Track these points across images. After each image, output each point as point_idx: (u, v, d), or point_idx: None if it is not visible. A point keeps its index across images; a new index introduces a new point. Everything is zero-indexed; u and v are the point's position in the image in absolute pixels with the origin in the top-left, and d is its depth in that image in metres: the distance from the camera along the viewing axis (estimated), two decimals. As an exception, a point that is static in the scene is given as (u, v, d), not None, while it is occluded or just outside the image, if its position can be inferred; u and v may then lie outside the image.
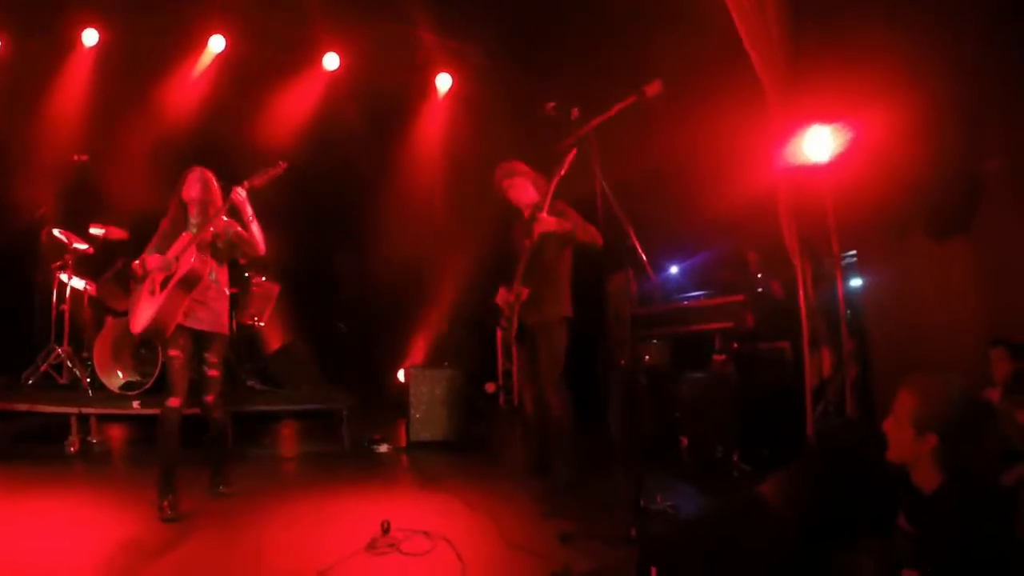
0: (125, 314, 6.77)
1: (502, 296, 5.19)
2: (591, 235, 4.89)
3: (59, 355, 6.84)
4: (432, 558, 3.83)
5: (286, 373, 7.64)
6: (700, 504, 4.87)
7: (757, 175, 5.32)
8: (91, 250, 6.97)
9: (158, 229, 4.83)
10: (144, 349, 6.85)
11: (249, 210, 4.61)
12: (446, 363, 7.34)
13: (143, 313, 4.56)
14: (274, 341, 8.26)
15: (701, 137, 6.24)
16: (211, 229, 4.65)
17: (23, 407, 6.05)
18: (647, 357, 6.81)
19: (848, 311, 5.26)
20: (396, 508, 4.48)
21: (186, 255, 4.53)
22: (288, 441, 6.80)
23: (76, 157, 7.16)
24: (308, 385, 7.49)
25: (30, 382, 6.78)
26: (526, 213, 5.21)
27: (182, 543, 3.97)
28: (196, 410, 4.78)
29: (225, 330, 4.80)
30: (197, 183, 4.73)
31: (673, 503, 4.57)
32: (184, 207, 4.75)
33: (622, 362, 5.59)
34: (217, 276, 4.73)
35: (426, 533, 4.09)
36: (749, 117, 5.36)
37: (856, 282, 5.71)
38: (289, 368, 7.70)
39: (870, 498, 2.87)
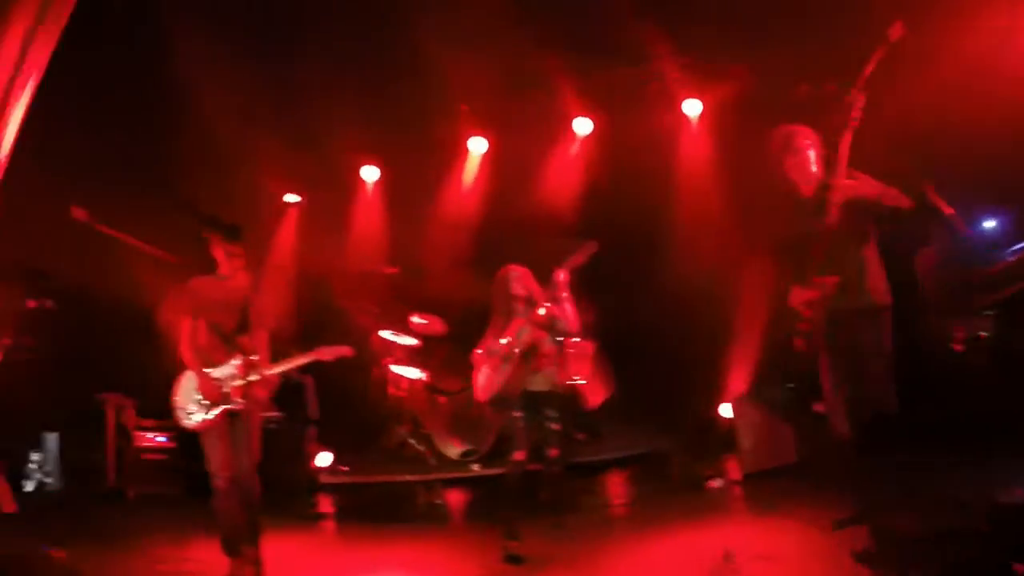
0: (456, 393, 7.71)
1: (797, 296, 4.62)
2: (896, 199, 4.30)
3: (400, 434, 7.82)
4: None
5: (611, 425, 7.85)
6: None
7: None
8: (419, 344, 7.97)
9: (491, 323, 5.49)
10: (476, 422, 7.52)
11: (566, 291, 5.23)
12: (769, 389, 7.11)
13: (490, 385, 5.30)
14: (595, 396, 8.50)
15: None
16: (542, 311, 5.24)
17: (376, 479, 7.16)
18: (982, 333, 6.00)
19: None
20: (735, 539, 4.46)
21: (525, 333, 5.24)
22: (618, 487, 6.98)
23: (387, 270, 8.36)
24: (633, 432, 7.66)
25: (378, 458, 7.82)
26: (807, 191, 4.65)
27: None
28: (538, 466, 5.28)
29: (560, 389, 5.39)
30: (519, 280, 5.41)
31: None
32: (510, 299, 5.39)
33: (955, 346, 4.95)
34: (548, 348, 5.33)
35: (768, 558, 4.01)
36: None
37: None
38: (613, 419, 7.90)
39: None
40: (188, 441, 7.59)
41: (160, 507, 7.49)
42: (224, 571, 4.78)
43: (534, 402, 5.23)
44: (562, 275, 5.21)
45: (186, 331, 4.96)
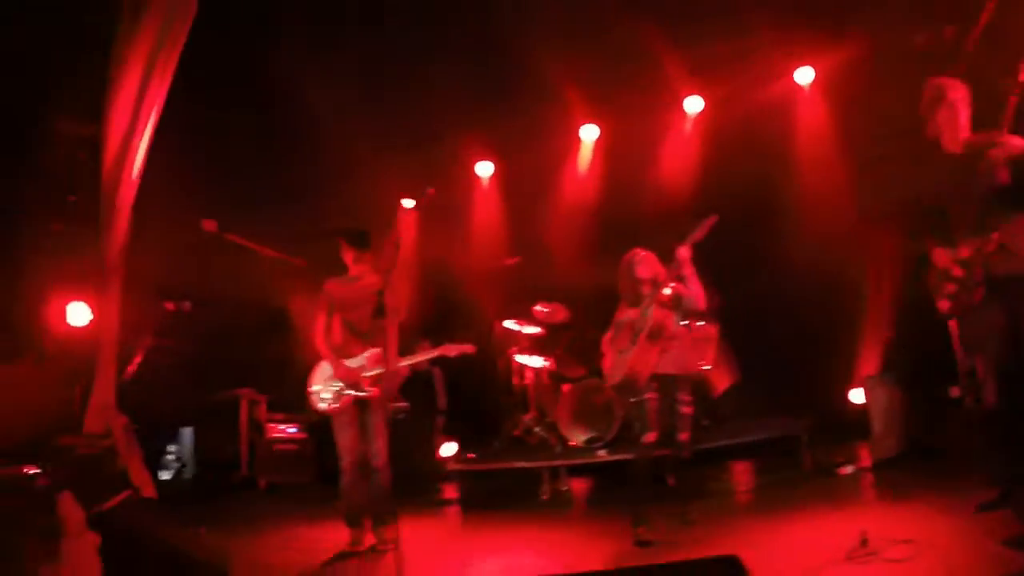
0: (580, 380, 7.88)
1: (943, 256, 4.49)
2: None
3: (526, 422, 8.04)
4: (916, 564, 3.76)
5: (736, 410, 7.80)
6: None
7: None
8: (543, 332, 8.19)
9: (618, 308, 5.60)
10: (601, 409, 7.67)
11: (689, 268, 5.24)
12: (902, 368, 6.92)
13: (617, 368, 5.40)
14: (721, 382, 8.45)
15: None
16: (667, 291, 5.32)
17: (503, 465, 7.44)
18: None
19: None
20: (871, 524, 4.34)
21: (650, 313, 5.27)
22: (745, 473, 6.95)
23: (508, 261, 8.65)
24: (759, 417, 7.59)
25: (503, 446, 8.07)
26: (954, 148, 4.49)
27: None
28: (666, 451, 5.34)
29: (691, 372, 5.47)
30: (644, 264, 5.49)
31: None
32: (637, 283, 5.48)
33: None
34: (675, 328, 5.38)
35: (908, 543, 3.98)
36: None
37: None
38: (739, 404, 7.85)
39: None
40: (318, 432, 8.13)
41: (291, 494, 8.02)
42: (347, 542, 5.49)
43: (663, 385, 5.29)
44: (684, 252, 5.22)
45: (319, 326, 5.64)
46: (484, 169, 9.70)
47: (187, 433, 9.12)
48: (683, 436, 5.29)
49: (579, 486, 7.33)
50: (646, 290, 5.42)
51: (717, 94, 8.61)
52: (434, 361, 6.12)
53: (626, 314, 5.49)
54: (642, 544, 4.86)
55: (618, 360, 5.42)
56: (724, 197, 7.87)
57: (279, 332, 8.14)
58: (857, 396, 7.17)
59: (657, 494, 5.25)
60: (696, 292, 5.30)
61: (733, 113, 8.47)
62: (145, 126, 6.54)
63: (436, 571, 5.10)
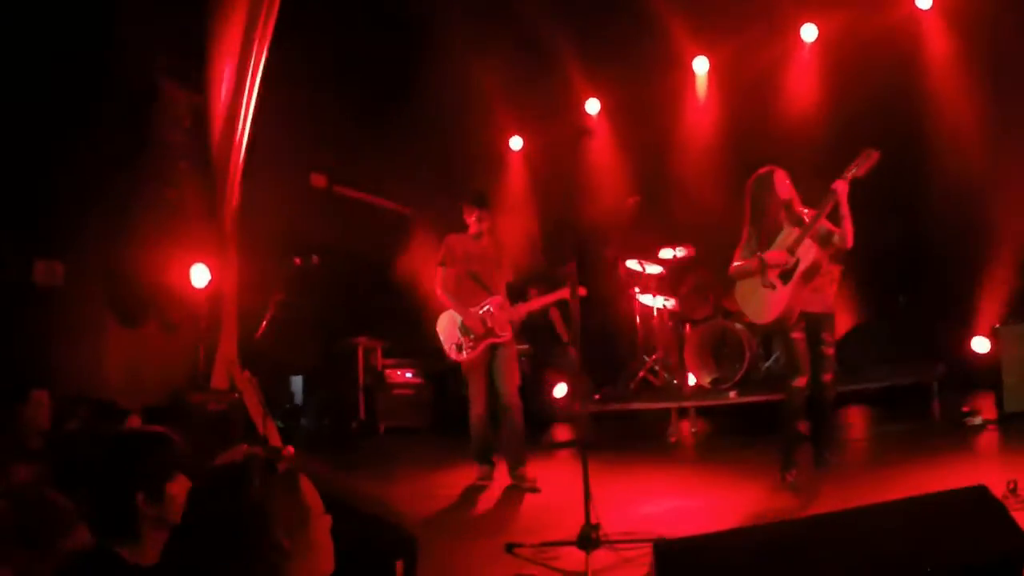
0: (704, 321, 8.03)
1: None
2: None
3: (650, 364, 8.21)
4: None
5: (858, 354, 7.70)
6: None
7: None
8: (664, 272, 8.28)
9: (744, 234, 5.36)
10: (726, 348, 7.81)
11: (846, 205, 4.98)
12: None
13: (770, 306, 5.15)
14: (842, 324, 8.33)
15: None
16: (821, 223, 5.09)
17: (633, 407, 7.69)
18: None
19: None
20: (1013, 473, 4.28)
21: (805, 248, 5.04)
22: (872, 420, 6.93)
23: (630, 200, 8.67)
24: (883, 363, 7.48)
25: (631, 387, 8.22)
26: None
27: (805, 506, 4.60)
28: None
29: (833, 310, 5.39)
30: (784, 183, 5.20)
31: None
32: (774, 204, 5.20)
33: None
34: (827, 266, 5.24)
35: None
36: None
37: None
38: (861, 348, 7.74)
39: None
40: (436, 379, 8.43)
41: (409, 439, 8.39)
42: (473, 479, 6.02)
43: (810, 324, 5.17)
44: (842, 186, 4.94)
45: (439, 279, 6.05)
46: (593, 107, 9.74)
47: (297, 382, 9.57)
48: (827, 377, 5.19)
49: (713, 425, 7.48)
50: (781, 213, 5.19)
51: (836, 21, 8.39)
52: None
53: (759, 241, 5.23)
54: (791, 488, 4.93)
55: (769, 297, 5.16)
56: (853, 129, 7.69)
57: (394, 280, 8.41)
58: (981, 344, 6.99)
59: (796, 438, 5.28)
60: (849, 230, 5.01)
61: (852, 40, 8.26)
62: (249, 88, 6.82)
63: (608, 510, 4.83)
